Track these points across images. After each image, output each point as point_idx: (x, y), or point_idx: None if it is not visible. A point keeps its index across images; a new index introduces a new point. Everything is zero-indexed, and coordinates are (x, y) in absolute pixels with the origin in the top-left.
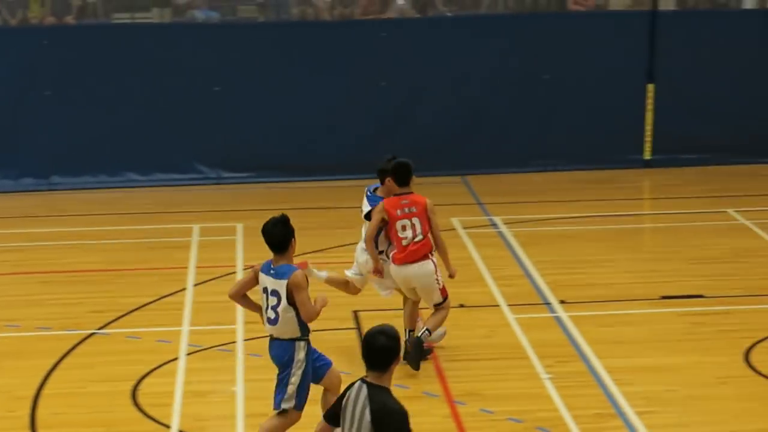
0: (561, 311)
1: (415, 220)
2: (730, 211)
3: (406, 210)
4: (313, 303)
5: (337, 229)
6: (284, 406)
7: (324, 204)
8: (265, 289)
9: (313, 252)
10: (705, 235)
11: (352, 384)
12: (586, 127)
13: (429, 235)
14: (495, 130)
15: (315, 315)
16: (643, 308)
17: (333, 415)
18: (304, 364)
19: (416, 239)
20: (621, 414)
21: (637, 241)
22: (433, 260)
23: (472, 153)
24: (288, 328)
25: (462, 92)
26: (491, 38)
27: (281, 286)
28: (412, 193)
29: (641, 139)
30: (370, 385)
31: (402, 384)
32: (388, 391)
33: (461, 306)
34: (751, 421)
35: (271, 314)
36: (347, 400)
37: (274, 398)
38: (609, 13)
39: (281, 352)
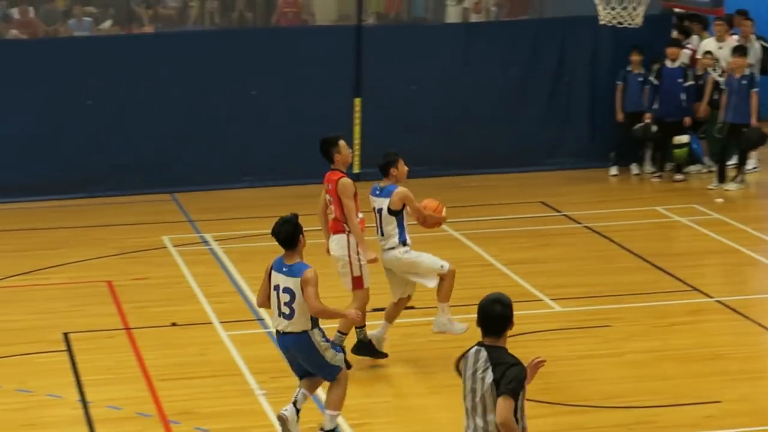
0: (273, 327)
1: (329, 197)
2: None
3: (327, 185)
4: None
5: (46, 250)
6: (337, 363)
7: (29, 225)
8: (276, 287)
9: (17, 275)
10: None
11: (468, 350)
12: (296, 142)
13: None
14: (204, 146)
15: (320, 312)
16: None
17: None
18: (323, 340)
19: (335, 215)
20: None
21: None
22: (350, 238)
23: (181, 170)
24: (302, 321)
25: (169, 108)
26: (198, 54)
27: (295, 283)
28: (332, 170)
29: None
30: (488, 348)
31: (114, 405)
32: (505, 350)
33: (174, 324)
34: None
35: (286, 310)
36: (464, 366)
37: (324, 377)
38: (315, 28)
39: (301, 344)
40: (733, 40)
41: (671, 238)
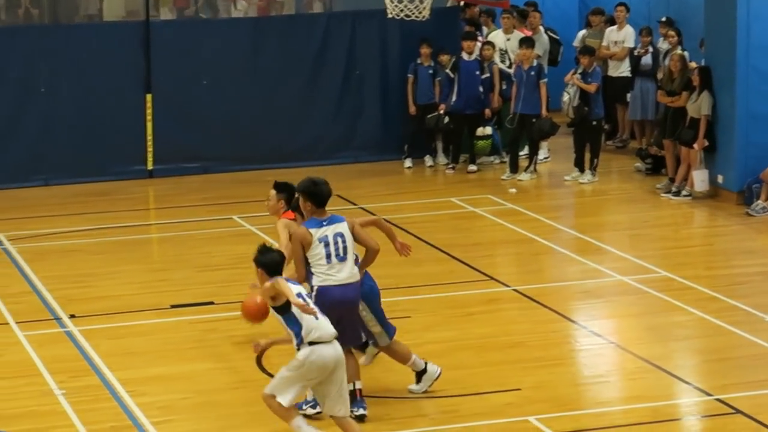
0: (72, 326)
1: None
2: (235, 217)
3: None
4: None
5: None
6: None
7: None
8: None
9: None
10: (212, 243)
11: None
12: (87, 139)
13: None
14: None
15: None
16: (154, 318)
17: None
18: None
19: None
20: (137, 425)
21: (144, 252)
22: None
23: None
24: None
25: None
26: None
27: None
28: None
29: (143, 149)
30: None
31: None
32: None
33: None
34: (264, 424)
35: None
36: None
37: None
38: (104, 24)
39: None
40: (521, 32)
41: (466, 229)
